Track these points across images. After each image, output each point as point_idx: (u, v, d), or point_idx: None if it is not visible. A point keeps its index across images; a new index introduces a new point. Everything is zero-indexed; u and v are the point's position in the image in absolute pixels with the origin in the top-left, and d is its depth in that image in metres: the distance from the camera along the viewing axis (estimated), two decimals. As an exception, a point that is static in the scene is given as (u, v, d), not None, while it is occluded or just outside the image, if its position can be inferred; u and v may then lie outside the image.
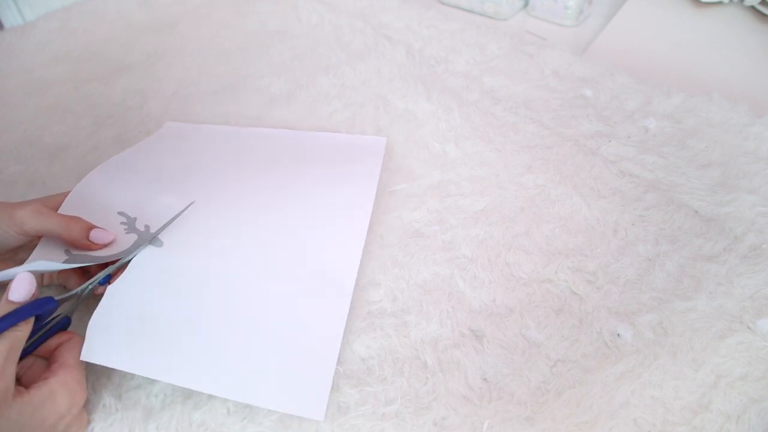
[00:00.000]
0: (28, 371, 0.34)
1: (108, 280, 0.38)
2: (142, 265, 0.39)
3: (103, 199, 0.44)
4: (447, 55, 0.65)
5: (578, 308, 0.38)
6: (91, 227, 0.40)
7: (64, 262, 0.38)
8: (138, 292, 0.37)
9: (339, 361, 0.36)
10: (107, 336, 0.35)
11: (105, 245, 0.40)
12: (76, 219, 0.40)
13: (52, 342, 0.35)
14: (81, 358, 0.34)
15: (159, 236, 0.41)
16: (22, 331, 0.31)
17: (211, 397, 0.35)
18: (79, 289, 0.37)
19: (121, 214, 0.43)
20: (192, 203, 0.44)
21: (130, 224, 0.42)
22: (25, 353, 0.33)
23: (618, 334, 0.36)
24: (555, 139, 0.52)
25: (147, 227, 0.42)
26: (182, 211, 0.43)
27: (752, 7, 0.70)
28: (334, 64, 0.65)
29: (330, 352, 0.35)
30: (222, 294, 0.38)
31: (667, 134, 0.51)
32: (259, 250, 0.41)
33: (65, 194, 0.43)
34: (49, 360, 0.34)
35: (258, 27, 0.74)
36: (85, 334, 0.35)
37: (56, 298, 0.34)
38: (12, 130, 0.59)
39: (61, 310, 0.36)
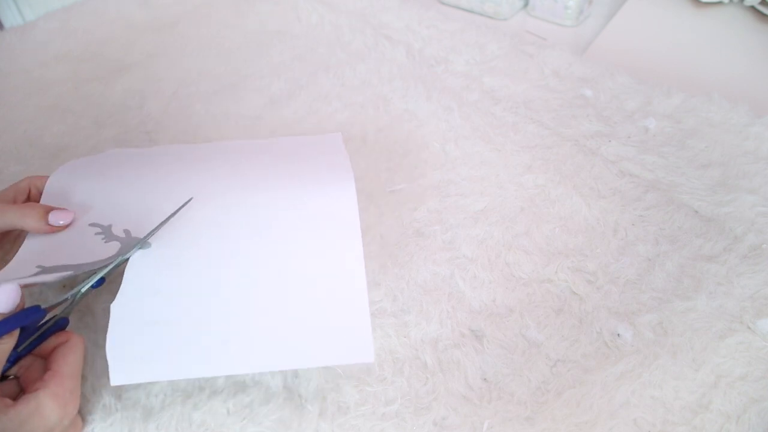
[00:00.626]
0: (26, 372, 0.33)
1: (102, 283, 0.37)
2: (137, 271, 0.37)
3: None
4: (447, 55, 0.65)
5: (578, 308, 0.38)
6: (49, 209, 0.38)
7: (34, 275, 0.36)
8: (143, 298, 0.36)
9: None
10: (129, 353, 0.33)
11: (67, 225, 0.39)
12: (30, 205, 0.38)
13: (50, 342, 0.34)
14: (112, 384, 0.32)
15: (139, 236, 0.39)
16: (6, 344, 0.30)
17: (211, 397, 0.35)
18: (69, 294, 0.36)
19: (93, 225, 0.40)
20: (190, 199, 0.42)
21: (106, 233, 0.40)
22: (23, 353, 0.33)
23: (618, 334, 0.36)
24: (555, 139, 0.52)
25: (127, 232, 0.40)
26: (180, 207, 0.41)
27: (752, 7, 0.70)
28: (334, 64, 0.65)
29: (358, 293, 0.35)
30: (232, 275, 0.37)
31: (667, 134, 0.51)
32: (254, 230, 0.40)
33: (15, 186, 0.41)
34: (46, 364, 0.33)
35: (258, 27, 0.74)
36: (85, 337, 0.35)
37: (44, 306, 0.33)
38: (12, 130, 0.59)
39: (55, 312, 0.35)
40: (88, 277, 0.36)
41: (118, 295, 0.36)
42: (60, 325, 0.35)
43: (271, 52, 0.69)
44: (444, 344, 0.37)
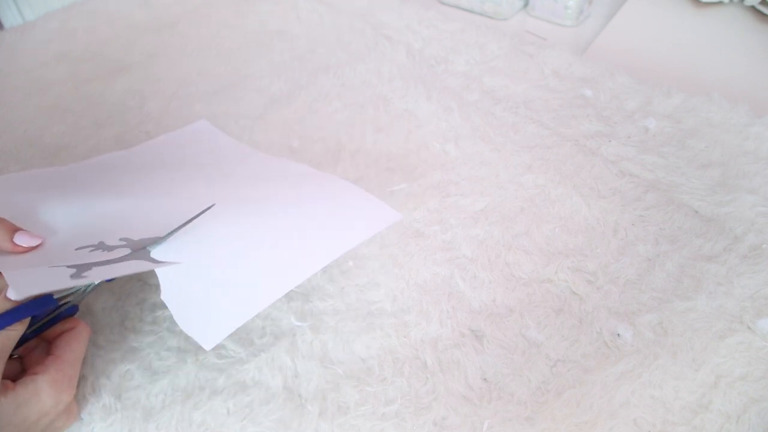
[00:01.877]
0: (30, 353, 0.34)
1: (113, 278, 0.37)
2: (165, 255, 0.37)
3: (51, 242, 0.39)
4: (447, 55, 0.65)
5: (578, 308, 0.38)
6: (16, 229, 0.37)
7: (71, 277, 0.34)
8: (182, 276, 0.36)
9: (339, 362, 0.36)
10: (199, 322, 0.34)
11: (32, 248, 0.37)
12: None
13: (57, 328, 0.34)
14: (207, 349, 0.32)
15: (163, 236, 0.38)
16: (17, 331, 0.31)
17: (211, 397, 0.35)
18: (81, 286, 0.36)
19: (71, 267, 0.36)
20: (213, 205, 0.40)
21: (102, 248, 0.38)
22: (31, 336, 0.33)
23: (618, 334, 0.36)
24: (555, 139, 0.52)
25: (127, 239, 0.38)
26: (202, 212, 0.39)
27: (752, 7, 0.70)
28: (334, 64, 0.65)
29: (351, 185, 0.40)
30: (248, 226, 0.39)
31: (667, 134, 0.51)
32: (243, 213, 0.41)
33: None
34: (49, 348, 0.34)
35: (258, 27, 0.75)
36: (99, 322, 0.36)
37: (56, 296, 0.33)
38: (12, 130, 0.60)
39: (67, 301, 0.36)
40: None
41: (162, 285, 0.35)
42: (69, 311, 0.36)
43: (271, 52, 0.69)
44: (444, 344, 0.37)
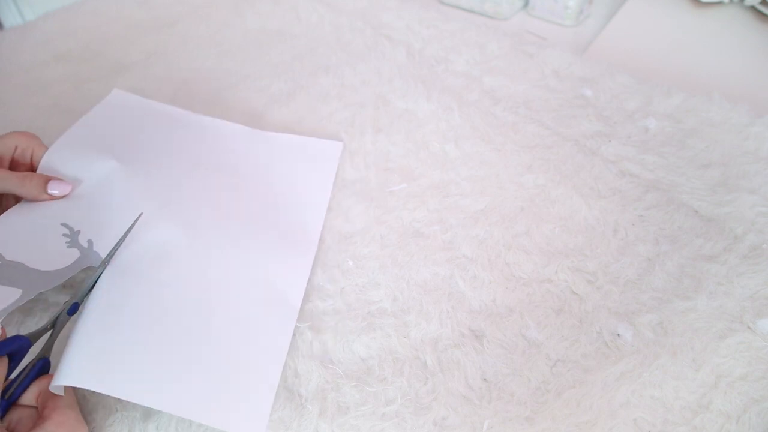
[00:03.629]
0: (17, 426, 0.32)
1: (76, 309, 0.36)
2: (101, 292, 0.37)
3: (47, 206, 0.41)
4: (447, 55, 0.65)
5: (578, 308, 0.38)
6: (48, 179, 0.41)
7: (19, 299, 0.35)
8: (103, 318, 0.35)
9: (339, 362, 0.36)
10: (80, 361, 0.33)
11: (64, 196, 0.41)
12: (30, 174, 0.41)
13: (35, 388, 0.33)
14: (54, 384, 0.31)
15: (99, 251, 0.39)
16: None
17: (211, 397, 0.35)
18: (47, 322, 0.35)
19: (64, 225, 0.40)
20: (141, 215, 0.41)
21: (72, 238, 0.40)
22: (9, 404, 0.32)
23: (618, 334, 0.36)
24: (555, 139, 0.52)
25: (90, 242, 0.39)
26: (131, 226, 0.40)
27: (752, 7, 0.70)
28: (334, 64, 0.65)
29: (273, 370, 0.35)
30: (167, 305, 0.37)
31: (667, 134, 0.51)
32: (203, 261, 0.39)
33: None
34: (39, 406, 0.32)
35: (258, 27, 0.74)
36: None
37: (24, 334, 0.32)
38: (12, 129, 0.59)
39: (35, 349, 0.34)
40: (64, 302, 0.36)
41: (84, 312, 0.35)
42: (41, 367, 0.34)
43: (271, 52, 0.69)
44: (444, 344, 0.37)
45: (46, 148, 0.45)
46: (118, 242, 0.39)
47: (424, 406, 0.34)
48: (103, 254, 0.39)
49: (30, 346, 0.33)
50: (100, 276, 0.37)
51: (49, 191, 0.41)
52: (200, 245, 0.41)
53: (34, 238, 0.39)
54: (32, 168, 0.45)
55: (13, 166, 0.44)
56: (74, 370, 0.32)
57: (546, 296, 0.39)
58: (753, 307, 0.37)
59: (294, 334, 0.38)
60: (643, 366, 0.34)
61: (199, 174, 0.47)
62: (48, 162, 0.44)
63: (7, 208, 0.42)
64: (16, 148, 0.43)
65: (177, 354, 0.34)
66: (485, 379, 0.35)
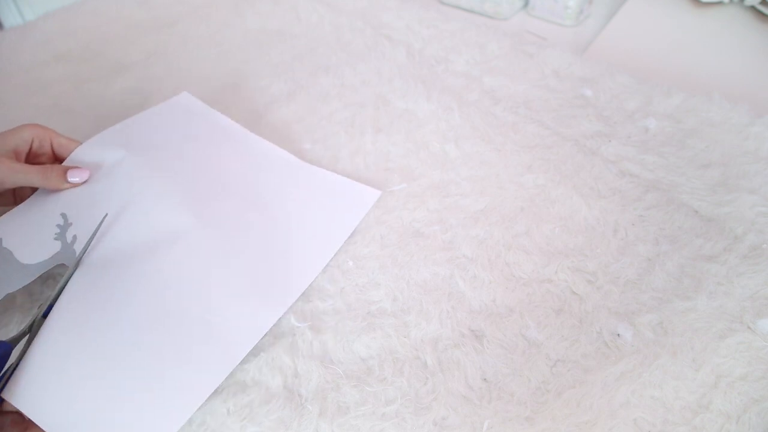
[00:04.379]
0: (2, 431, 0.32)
1: (49, 312, 0.36)
2: (70, 296, 0.36)
3: (60, 194, 0.43)
4: (447, 55, 0.65)
5: (578, 308, 0.38)
6: (67, 169, 0.42)
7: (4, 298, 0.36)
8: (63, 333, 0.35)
9: (339, 362, 0.36)
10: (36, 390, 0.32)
11: (84, 182, 0.43)
12: (50, 167, 0.42)
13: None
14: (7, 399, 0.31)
15: (77, 248, 0.39)
16: None
17: (211, 396, 0.35)
18: (25, 326, 0.35)
19: (63, 215, 0.41)
20: (106, 215, 0.41)
21: (62, 230, 0.40)
22: None
23: (618, 334, 0.36)
24: (555, 139, 0.52)
25: (74, 238, 0.39)
26: (97, 228, 0.40)
27: (752, 7, 0.70)
28: (334, 64, 0.65)
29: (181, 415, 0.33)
30: (120, 324, 0.35)
31: (667, 134, 0.51)
32: (165, 277, 0.38)
33: (15, 135, 0.42)
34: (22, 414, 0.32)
35: (258, 27, 0.74)
36: None
37: (5, 340, 0.32)
38: (12, 130, 0.59)
39: (15, 352, 0.34)
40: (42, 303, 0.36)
41: (45, 326, 0.35)
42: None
43: (271, 52, 0.69)
44: (444, 344, 0.37)
45: (63, 136, 0.46)
46: (87, 244, 0.39)
47: (424, 406, 0.34)
48: (78, 253, 0.39)
49: (11, 350, 0.33)
50: (71, 277, 0.37)
51: (69, 179, 0.42)
52: (171, 261, 0.38)
53: (33, 227, 0.40)
54: (53, 156, 0.45)
55: (32, 157, 0.44)
56: (18, 390, 0.32)
57: (546, 296, 0.39)
58: (753, 307, 0.37)
59: (294, 334, 0.38)
60: (643, 366, 0.34)
61: (219, 186, 0.45)
62: (79, 154, 0.45)
63: (24, 197, 0.43)
64: (33, 140, 0.44)
65: (111, 385, 0.33)
66: (485, 379, 0.35)
